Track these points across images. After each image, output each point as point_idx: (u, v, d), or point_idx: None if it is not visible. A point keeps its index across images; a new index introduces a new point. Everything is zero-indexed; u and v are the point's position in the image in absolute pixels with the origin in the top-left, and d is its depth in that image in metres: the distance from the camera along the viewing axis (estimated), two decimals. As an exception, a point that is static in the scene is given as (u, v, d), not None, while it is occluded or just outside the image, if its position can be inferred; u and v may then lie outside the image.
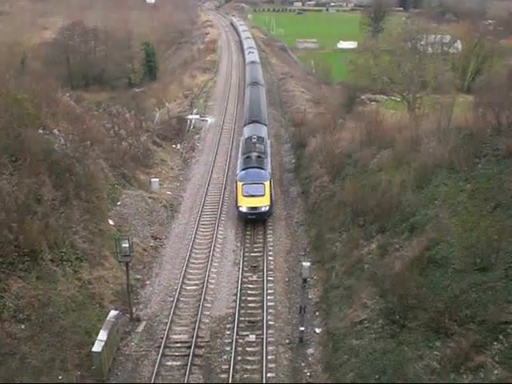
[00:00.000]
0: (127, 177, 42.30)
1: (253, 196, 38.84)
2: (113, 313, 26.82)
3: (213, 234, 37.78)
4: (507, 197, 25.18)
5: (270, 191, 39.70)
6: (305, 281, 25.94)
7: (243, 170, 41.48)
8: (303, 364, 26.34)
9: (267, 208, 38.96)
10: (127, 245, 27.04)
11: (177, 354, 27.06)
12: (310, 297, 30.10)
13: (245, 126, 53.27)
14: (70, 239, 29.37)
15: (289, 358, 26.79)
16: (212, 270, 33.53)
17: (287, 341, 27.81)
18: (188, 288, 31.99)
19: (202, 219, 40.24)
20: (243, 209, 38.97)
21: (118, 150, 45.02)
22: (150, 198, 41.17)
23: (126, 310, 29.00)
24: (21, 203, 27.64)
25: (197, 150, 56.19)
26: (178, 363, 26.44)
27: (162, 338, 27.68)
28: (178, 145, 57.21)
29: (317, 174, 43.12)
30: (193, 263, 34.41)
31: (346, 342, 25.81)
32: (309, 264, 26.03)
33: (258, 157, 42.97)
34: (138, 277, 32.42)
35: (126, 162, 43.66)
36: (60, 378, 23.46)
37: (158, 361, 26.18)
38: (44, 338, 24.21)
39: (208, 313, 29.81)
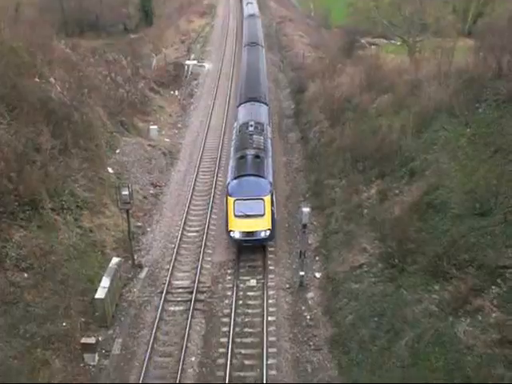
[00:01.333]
0: (125, 124, 42.06)
1: (248, 217, 29.14)
2: (115, 260, 27.10)
3: (212, 181, 37.81)
4: (507, 142, 25.04)
5: (272, 209, 29.79)
6: (304, 226, 26.04)
7: (236, 178, 31.08)
8: (303, 308, 26.73)
9: (267, 233, 29.32)
10: (127, 192, 27.06)
11: (179, 299, 27.46)
12: (309, 242, 30.31)
13: (240, 105, 41.66)
14: (69, 188, 29.37)
15: (289, 301, 27.18)
16: (212, 216, 33.70)
17: (287, 285, 28.17)
18: (189, 234, 32.23)
19: (201, 166, 40.24)
20: (235, 234, 29.32)
21: (116, 97, 44.60)
22: (148, 145, 41.04)
23: (128, 256, 29.29)
24: (19, 153, 27.52)
25: (195, 96, 55.71)
26: (181, 308, 26.86)
27: (164, 284, 28.03)
28: (176, 91, 56.66)
29: (316, 119, 42.82)
30: (193, 210, 34.56)
31: (346, 285, 26.16)
32: (308, 210, 26.10)
33: (256, 157, 32.47)
34: (139, 224, 32.61)
35: (123, 110, 43.31)
36: (64, 324, 23.84)
37: (160, 306, 26.57)
38: (47, 286, 24.49)
39: (209, 259, 30.12)
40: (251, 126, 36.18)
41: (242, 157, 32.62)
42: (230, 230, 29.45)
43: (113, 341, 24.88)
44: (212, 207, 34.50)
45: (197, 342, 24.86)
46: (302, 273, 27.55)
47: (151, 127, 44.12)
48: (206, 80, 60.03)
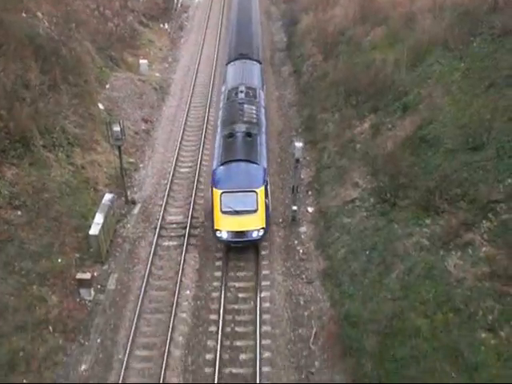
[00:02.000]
0: (115, 59, 41.21)
1: (238, 213, 24.99)
2: (108, 196, 27.12)
3: (204, 116, 37.46)
4: (501, 76, 24.73)
5: (266, 202, 25.62)
6: (297, 161, 25.99)
7: (223, 164, 26.37)
8: (296, 242, 27.05)
9: (261, 232, 25.26)
10: (119, 128, 26.82)
11: (173, 234, 27.75)
12: (302, 177, 30.32)
13: (229, 63, 36.78)
14: (60, 124, 29.02)
15: (282, 236, 27.50)
16: (205, 152, 33.55)
17: (280, 220, 28.37)
18: (181, 170, 32.22)
19: (193, 101, 39.75)
20: (223, 234, 25.14)
21: (104, 31, 43.48)
22: (139, 80, 40.38)
23: (121, 193, 29.33)
24: (8, 90, 27.06)
25: (185, 30, 54.52)
26: (175, 243, 27.19)
27: (158, 220, 28.22)
28: (166, 24, 55.29)
29: (309, 52, 42.01)
30: (185, 146, 34.41)
31: (338, 220, 26.39)
32: (301, 144, 25.98)
33: (247, 135, 27.69)
34: (131, 160, 32.47)
35: (112, 44, 42.31)
36: (59, 260, 24.10)
37: (154, 242, 26.86)
38: (41, 224, 24.59)
39: (202, 194, 30.15)
40: (241, 92, 31.45)
41: (231, 135, 27.84)
42: (216, 229, 25.19)
43: (108, 276, 25.22)
44: (204, 143, 34.29)
45: (191, 276, 25.25)
46: (294, 207, 27.70)
47: (141, 62, 43.30)
48: (197, 13, 58.63)
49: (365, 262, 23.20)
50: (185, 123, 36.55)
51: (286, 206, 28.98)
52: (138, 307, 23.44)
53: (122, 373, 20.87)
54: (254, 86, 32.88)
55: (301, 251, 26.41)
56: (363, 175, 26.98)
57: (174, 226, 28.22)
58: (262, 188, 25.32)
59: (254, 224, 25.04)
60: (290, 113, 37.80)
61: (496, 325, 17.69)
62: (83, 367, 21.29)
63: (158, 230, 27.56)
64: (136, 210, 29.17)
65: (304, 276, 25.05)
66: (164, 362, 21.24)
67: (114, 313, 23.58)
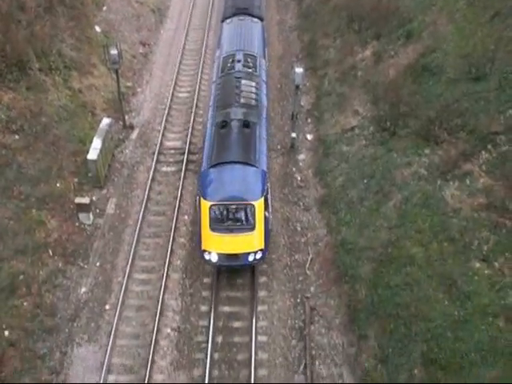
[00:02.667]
0: (112, -21, 40.00)
1: (231, 231, 20.69)
2: (106, 120, 26.85)
3: (203, 39, 36.64)
4: (506, 6, 24.03)
5: (265, 216, 21.14)
6: (297, 87, 25.67)
7: (213, 166, 21.68)
8: (294, 169, 27.04)
9: (258, 255, 21.03)
10: (116, 52, 26.27)
11: (171, 160, 27.71)
12: (302, 104, 29.98)
13: (224, 20, 31.19)
14: (57, 47, 28.35)
15: (280, 163, 27.42)
16: (203, 76, 33.06)
17: (279, 146, 28.26)
18: (180, 95, 31.81)
19: (191, 24, 38.80)
20: (212, 257, 20.85)
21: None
22: (136, 2, 39.11)
23: (119, 117, 29.02)
24: (4, 12, 26.33)
25: None
26: (173, 169, 27.19)
27: (156, 145, 28.12)
28: None
29: (311, -26, 40.83)
30: (184, 70, 33.85)
31: (337, 147, 26.26)
32: (301, 70, 25.56)
33: (245, 125, 23.01)
34: (129, 84, 31.98)
35: (109, -37, 41.01)
36: (58, 185, 24.15)
37: (152, 167, 26.85)
38: (39, 148, 24.44)
39: (201, 120, 29.88)
40: (239, 61, 26.37)
41: (225, 124, 22.99)
42: (204, 250, 20.85)
43: (107, 201, 25.35)
44: (203, 67, 33.73)
45: (189, 202, 25.36)
46: (293, 134, 27.56)
47: (139, -18, 42.05)
48: None
49: (362, 190, 23.25)
50: (183, 47, 35.79)
51: (285, 132, 28.81)
52: (137, 231, 23.68)
53: (122, 295, 21.29)
54: (254, 52, 27.60)
55: (299, 178, 26.45)
56: (363, 103, 26.71)
57: (173, 151, 28.13)
58: (261, 200, 20.77)
59: (250, 245, 20.75)
60: (290, 38, 36.91)
61: (490, 255, 17.94)
62: (83, 290, 21.69)
63: (156, 155, 27.48)
64: (134, 135, 28.98)
65: (301, 203, 25.18)
66: (163, 285, 21.65)
67: (112, 237, 23.83)
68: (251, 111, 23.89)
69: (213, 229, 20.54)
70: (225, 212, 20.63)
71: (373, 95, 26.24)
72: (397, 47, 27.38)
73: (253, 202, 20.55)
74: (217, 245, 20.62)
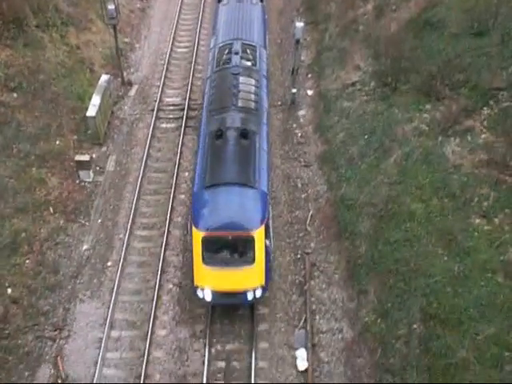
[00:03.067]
0: None
1: (227, 265, 18.32)
2: (104, 77, 26.62)
3: (202, -6, 36.04)
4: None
5: (266, 247, 18.56)
6: (297, 42, 25.32)
7: (208, 187, 18.96)
8: (295, 125, 26.91)
9: (258, 292, 18.62)
10: (113, 6, 25.86)
11: (171, 116, 27.55)
12: (302, 59, 29.59)
13: (220, 1, 28.09)
14: (53, 3, 27.84)
15: (281, 119, 27.27)
16: (202, 31, 32.57)
17: (279, 102, 28.06)
18: (178, 50, 31.44)
19: (189, -24, 38.08)
20: (206, 294, 18.51)
21: None
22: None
23: (117, 74, 28.73)
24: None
25: None
26: (173, 125, 27.07)
27: (155, 102, 27.90)
28: None
29: None
30: (182, 24, 33.37)
31: (338, 103, 26.05)
32: (302, 24, 25.22)
33: (243, 135, 20.03)
34: (127, 40, 31.57)
35: None
36: (57, 142, 24.11)
37: (152, 123, 26.69)
38: (38, 106, 24.30)
39: (200, 75, 29.57)
40: (236, 53, 23.34)
41: (220, 133, 20.04)
42: (196, 287, 18.53)
43: (107, 158, 25.30)
44: (202, 21, 33.23)
45: (189, 159, 25.29)
46: (293, 90, 27.32)
47: None
48: None
49: (363, 146, 23.15)
50: (181, 1, 35.18)
51: (286, 88, 28.56)
52: (137, 189, 23.70)
53: (123, 252, 21.42)
54: (253, 42, 24.67)
55: (299, 135, 26.33)
56: (365, 58, 26.43)
57: (172, 107, 27.93)
58: (262, 228, 18.19)
59: (249, 281, 18.32)
60: (290, -10, 36.31)
61: (490, 211, 18.04)
62: (85, 247, 21.81)
63: (155, 111, 27.30)
64: (133, 92, 28.76)
65: (302, 159, 25.12)
66: (164, 242, 21.77)
67: (113, 194, 23.86)
68: (250, 117, 21.09)
69: (206, 262, 18.11)
70: (220, 243, 18.12)
71: (374, 50, 25.95)
72: (399, 1, 26.98)
73: (252, 232, 17.96)
74: (211, 280, 18.20)
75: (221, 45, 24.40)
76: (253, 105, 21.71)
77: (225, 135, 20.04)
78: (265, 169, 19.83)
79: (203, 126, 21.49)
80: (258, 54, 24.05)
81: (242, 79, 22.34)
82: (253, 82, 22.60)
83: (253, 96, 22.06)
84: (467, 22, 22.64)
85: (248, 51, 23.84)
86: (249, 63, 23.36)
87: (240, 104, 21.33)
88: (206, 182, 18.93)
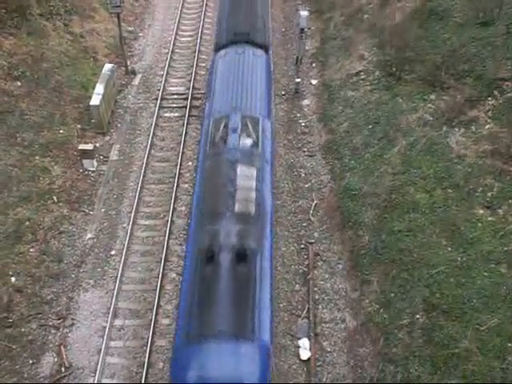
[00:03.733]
0: None
1: None
2: (108, 66, 26.56)
3: (206, -18, 35.87)
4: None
5: None
6: (302, 31, 25.26)
7: (193, 341, 13.82)
8: (299, 115, 26.82)
9: None
10: (117, -5, 25.92)
11: (174, 105, 27.45)
12: (306, 48, 29.42)
13: (218, 51, 23.23)
14: (57, -9, 28.08)
15: (284, 108, 27.19)
16: (206, 20, 32.50)
17: (283, 92, 27.98)
18: (182, 39, 31.33)
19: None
20: None
21: None
22: None
23: (121, 63, 28.69)
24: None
25: None
26: (176, 114, 26.98)
27: (159, 91, 27.83)
28: None
29: None
30: (186, 13, 33.26)
31: (342, 93, 26.01)
32: (307, 13, 25.14)
33: (240, 257, 15.21)
34: (131, 29, 31.54)
35: None
36: (61, 131, 24.12)
37: (156, 113, 26.65)
38: (41, 94, 24.33)
39: (204, 64, 29.52)
40: (235, 130, 18.71)
41: (211, 255, 15.23)
42: None
43: (110, 147, 25.26)
44: (206, 10, 33.13)
45: (193, 148, 25.23)
46: (298, 79, 27.27)
47: None
48: None
49: (367, 136, 23.12)
50: (186, -11, 35.10)
51: (290, 77, 28.49)
52: (141, 178, 23.67)
53: (127, 241, 21.42)
54: (256, 113, 19.86)
55: (303, 124, 26.26)
56: (369, 47, 26.35)
57: (176, 96, 27.88)
58: None
59: None
60: (295, -21, 36.13)
61: (494, 202, 18.04)
62: (88, 236, 21.82)
63: (159, 100, 27.24)
64: (136, 81, 28.72)
65: (306, 149, 25.07)
66: (167, 231, 21.75)
67: (117, 183, 23.83)
68: (249, 227, 16.26)
69: None
70: None
71: (379, 39, 25.89)
72: (404, -11, 26.87)
73: None
74: None
75: (216, 116, 19.67)
76: (253, 208, 16.82)
77: (217, 258, 15.24)
78: (267, 304, 15.13)
79: (191, 237, 16.82)
80: (260, 129, 19.32)
81: (240, 170, 17.60)
82: (254, 172, 17.79)
83: (253, 194, 17.18)
84: (472, 12, 22.57)
85: (249, 126, 19.13)
86: (249, 143, 18.61)
87: (237, 208, 16.59)
88: (192, 334, 14.04)
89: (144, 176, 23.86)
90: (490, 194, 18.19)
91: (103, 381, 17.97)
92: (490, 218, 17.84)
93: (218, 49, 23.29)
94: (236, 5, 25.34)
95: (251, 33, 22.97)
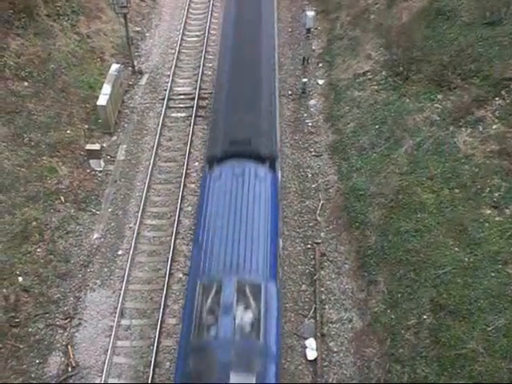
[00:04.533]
0: None
1: None
2: (115, 66, 26.63)
3: (213, -18, 35.88)
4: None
5: None
6: (308, 31, 25.35)
7: None
8: (305, 115, 26.80)
9: None
10: (124, -5, 25.97)
11: (181, 105, 27.48)
12: (313, 48, 29.54)
13: (211, 168, 17.86)
14: (64, -8, 28.16)
15: (291, 108, 27.17)
16: (213, 20, 32.51)
17: (290, 92, 27.97)
18: (189, 40, 31.35)
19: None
20: None
21: None
22: None
23: (128, 63, 28.76)
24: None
25: None
26: (183, 114, 27.02)
27: (166, 91, 27.87)
28: None
29: None
30: (193, 14, 33.29)
31: (348, 93, 25.97)
32: (313, 13, 25.22)
33: None
34: (138, 29, 31.59)
35: None
36: (68, 132, 24.20)
37: (162, 113, 26.68)
38: (48, 95, 24.42)
39: (210, 65, 29.53)
40: (227, 310, 13.77)
41: None
42: None
43: (117, 147, 25.32)
44: (212, 10, 33.13)
45: (199, 148, 25.28)
46: (304, 80, 27.27)
47: None
48: None
49: (374, 136, 23.09)
50: (192, -11, 35.12)
51: (296, 78, 28.46)
52: (148, 178, 23.71)
53: (134, 241, 21.47)
54: (257, 274, 14.75)
55: (310, 124, 26.24)
56: (376, 47, 26.28)
57: (182, 97, 27.92)
58: None
59: None
60: (302, -21, 36.09)
61: (501, 202, 17.99)
62: (95, 236, 21.88)
63: (166, 100, 27.28)
64: (143, 81, 28.78)
65: (312, 149, 25.06)
66: (174, 231, 21.80)
67: (124, 183, 23.89)
68: None
69: None
70: None
71: (385, 39, 25.81)
72: (409, 1, 26.83)
73: None
74: None
75: (205, 281, 14.55)
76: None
77: None
78: None
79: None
80: (263, 303, 14.09)
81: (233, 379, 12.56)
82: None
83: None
84: (479, 12, 22.51)
85: (248, 300, 14.07)
86: (247, 332, 13.51)
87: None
88: None
89: (151, 176, 23.91)
90: (497, 194, 18.14)
91: (110, 381, 18.04)
92: (497, 218, 17.78)
93: (210, 162, 18.16)
94: (235, 96, 20.28)
95: (254, 140, 18.04)
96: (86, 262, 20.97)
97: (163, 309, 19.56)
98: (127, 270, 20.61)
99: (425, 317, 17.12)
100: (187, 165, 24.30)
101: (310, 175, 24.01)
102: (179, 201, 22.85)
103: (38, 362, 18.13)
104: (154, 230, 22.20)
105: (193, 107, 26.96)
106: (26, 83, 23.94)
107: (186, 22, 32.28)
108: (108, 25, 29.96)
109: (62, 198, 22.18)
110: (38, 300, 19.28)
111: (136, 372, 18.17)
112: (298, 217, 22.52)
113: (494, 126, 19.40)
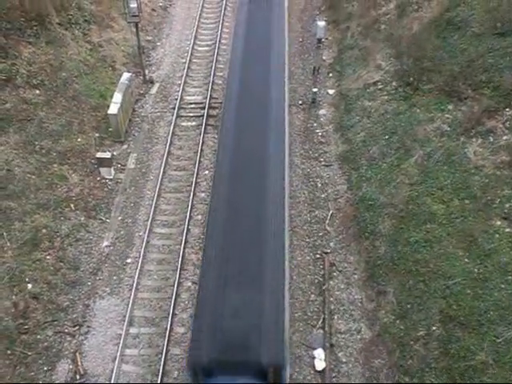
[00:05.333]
0: None
1: None
2: (126, 75, 26.79)
3: (224, -8, 36.02)
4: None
5: None
6: (319, 41, 25.33)
7: None
8: (315, 124, 26.81)
9: None
10: (135, 5, 26.05)
11: (191, 114, 27.59)
12: (323, 58, 29.61)
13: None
14: (76, 1, 28.19)
15: (301, 118, 27.19)
16: (224, 30, 32.61)
17: (300, 102, 28.01)
18: (200, 49, 31.46)
19: (211, -25, 38.08)
20: None
21: None
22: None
23: (139, 72, 28.94)
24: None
25: None
26: (193, 124, 27.10)
27: (177, 100, 27.97)
28: None
29: None
30: (204, 23, 33.42)
31: (359, 103, 25.96)
32: (324, 24, 25.17)
33: None
34: (149, 38, 31.75)
35: None
36: (79, 140, 24.33)
37: (173, 122, 26.76)
38: (59, 103, 24.57)
39: (221, 74, 29.61)
40: None
41: None
42: None
43: (128, 155, 25.41)
44: (223, 20, 33.27)
45: (210, 157, 25.30)
46: (315, 89, 27.26)
47: None
48: None
49: (384, 146, 23.06)
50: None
51: (307, 87, 28.48)
52: (158, 186, 23.76)
53: (143, 249, 21.49)
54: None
55: (320, 134, 26.25)
56: (386, 57, 26.28)
57: (193, 106, 28.00)
58: None
59: None
60: (312, -11, 36.18)
61: (512, 213, 17.90)
62: (105, 243, 21.93)
63: (176, 109, 27.38)
64: (154, 90, 28.90)
65: (322, 159, 25.04)
66: (183, 240, 21.81)
67: (134, 191, 23.95)
68: None
69: None
70: None
71: (396, 50, 25.79)
72: (421, 0, 26.75)
73: None
74: None
75: None
76: None
77: None
78: None
79: None
80: None
81: None
82: None
83: None
84: (490, 22, 22.45)
85: None
86: None
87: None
88: None
89: (161, 184, 23.96)
90: (507, 206, 18.04)
91: (118, 388, 18.04)
92: (507, 230, 17.69)
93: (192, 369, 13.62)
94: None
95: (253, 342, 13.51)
96: (95, 270, 21.01)
97: (172, 317, 19.54)
98: (136, 278, 20.61)
99: (434, 328, 17.03)
100: (197, 174, 24.34)
101: (319, 185, 23.98)
102: (189, 209, 22.88)
103: (46, 369, 18.13)
104: (164, 239, 22.23)
105: (203, 116, 27.04)
106: (37, 91, 24.10)
107: (197, 32, 32.41)
108: (119, 34, 30.12)
109: (72, 205, 22.26)
110: (46, 307, 19.31)
111: (144, 380, 18.13)
112: (308, 226, 22.49)
113: (505, 137, 19.33)
